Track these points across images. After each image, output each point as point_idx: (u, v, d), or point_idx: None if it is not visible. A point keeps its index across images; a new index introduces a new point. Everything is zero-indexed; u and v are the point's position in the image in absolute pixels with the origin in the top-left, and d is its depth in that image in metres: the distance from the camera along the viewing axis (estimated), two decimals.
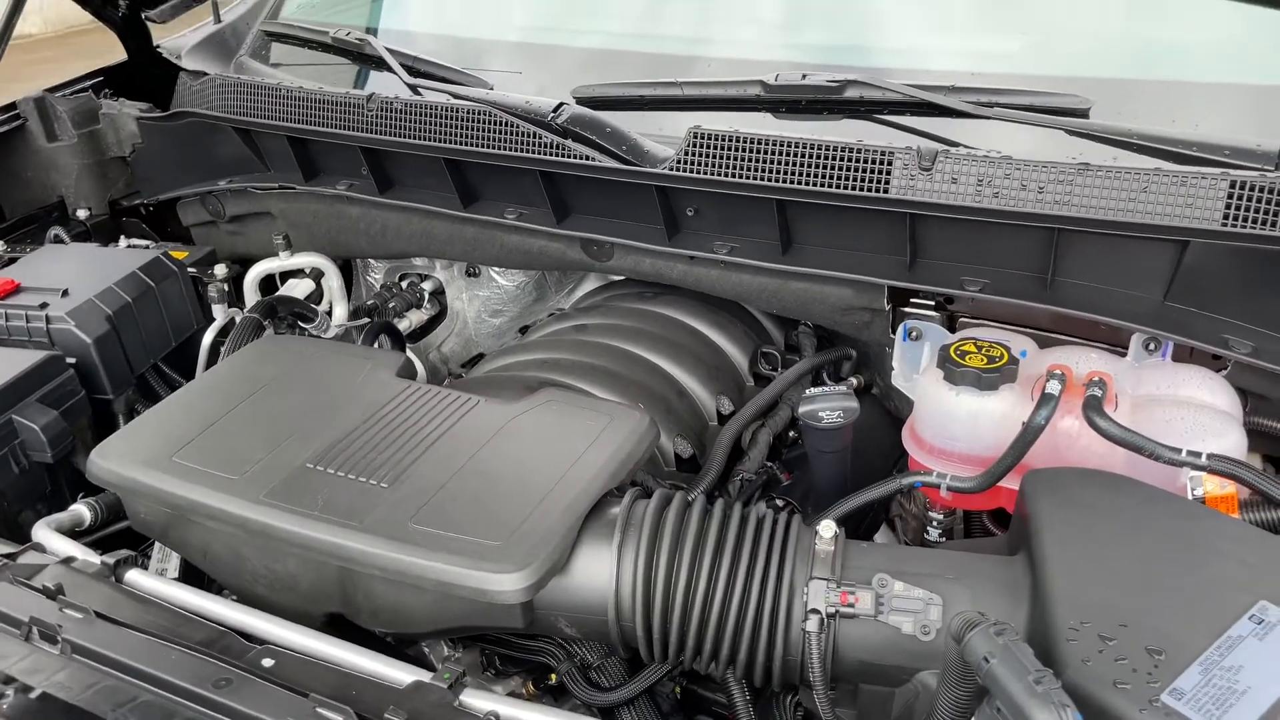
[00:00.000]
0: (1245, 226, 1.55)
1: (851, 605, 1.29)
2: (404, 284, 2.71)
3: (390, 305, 2.61)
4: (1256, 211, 1.55)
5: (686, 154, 1.84)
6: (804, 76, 1.94)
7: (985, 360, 1.59)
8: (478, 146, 2.01)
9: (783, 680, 1.37)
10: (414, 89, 2.15)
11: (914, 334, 1.82)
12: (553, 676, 1.60)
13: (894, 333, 1.91)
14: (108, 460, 1.58)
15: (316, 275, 2.49)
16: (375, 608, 1.46)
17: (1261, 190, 1.55)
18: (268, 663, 1.33)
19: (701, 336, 2.19)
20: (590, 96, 2.08)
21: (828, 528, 1.40)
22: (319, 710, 1.22)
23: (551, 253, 2.14)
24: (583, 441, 1.53)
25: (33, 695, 1.26)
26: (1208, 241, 1.58)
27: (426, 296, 2.71)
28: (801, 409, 1.69)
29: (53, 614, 1.38)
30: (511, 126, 1.98)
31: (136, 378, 2.13)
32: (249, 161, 2.43)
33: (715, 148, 1.82)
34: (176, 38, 2.79)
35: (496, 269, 2.69)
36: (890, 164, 1.71)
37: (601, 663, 1.59)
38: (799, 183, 1.76)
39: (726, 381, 2.10)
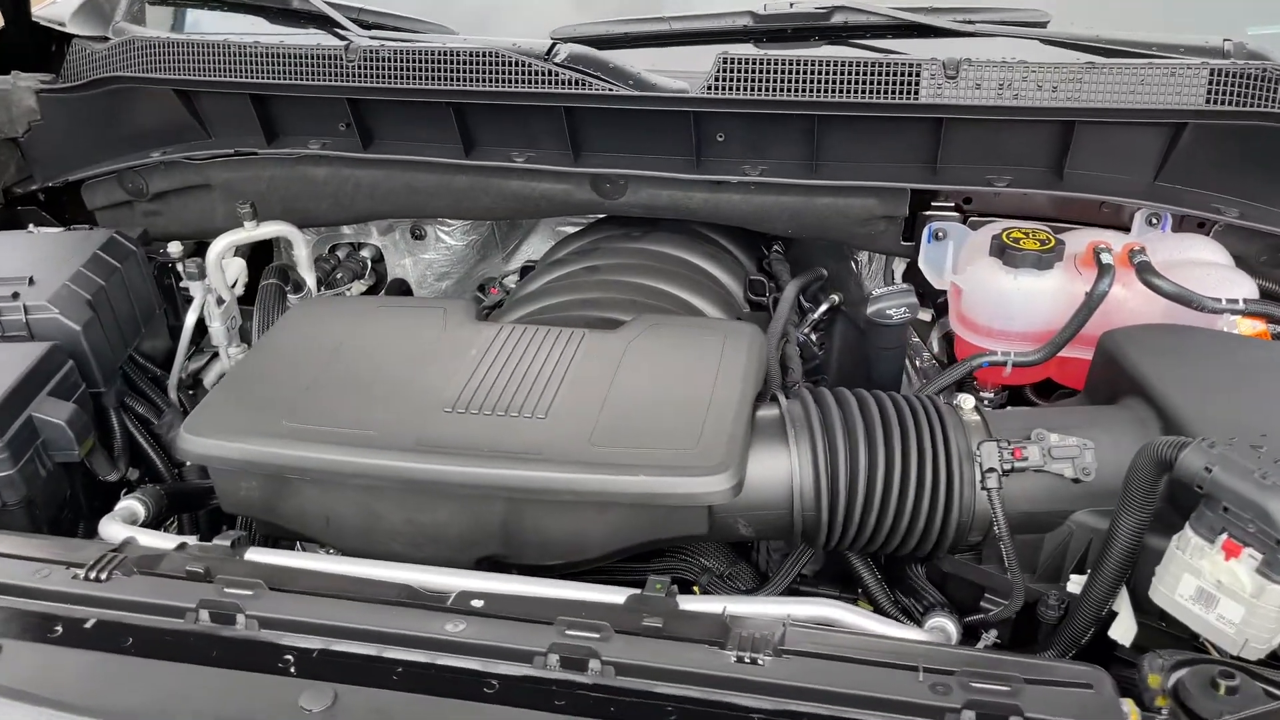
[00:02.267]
0: (1224, 105, 1.80)
1: (1025, 459, 1.41)
2: (341, 255, 2.59)
3: (338, 276, 2.49)
4: (1230, 94, 1.80)
5: (718, 78, 1.89)
6: (791, 4, 2.03)
7: (1037, 244, 1.76)
8: (488, 87, 1.97)
9: (952, 546, 1.48)
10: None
11: (939, 234, 1.96)
12: (695, 588, 1.63)
13: (904, 240, 2.05)
14: (206, 436, 1.45)
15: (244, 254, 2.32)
16: (546, 540, 1.44)
17: (1233, 76, 1.79)
18: (477, 604, 1.29)
19: (700, 269, 2.24)
20: (572, 37, 2.07)
21: (967, 400, 1.52)
22: (569, 632, 1.21)
23: (556, 196, 2.13)
24: (712, 355, 1.56)
25: None
26: (1195, 122, 1.82)
27: (369, 265, 2.60)
28: (871, 308, 1.80)
29: (216, 594, 1.27)
30: (523, 65, 1.94)
31: (119, 368, 1.94)
32: (187, 129, 2.24)
33: (746, 71, 1.87)
34: (46, 5, 2.51)
35: (445, 229, 2.62)
36: (918, 74, 1.84)
37: (732, 569, 1.64)
38: (834, 97, 1.85)
39: (733, 309, 2.18)
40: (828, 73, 1.85)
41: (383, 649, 1.19)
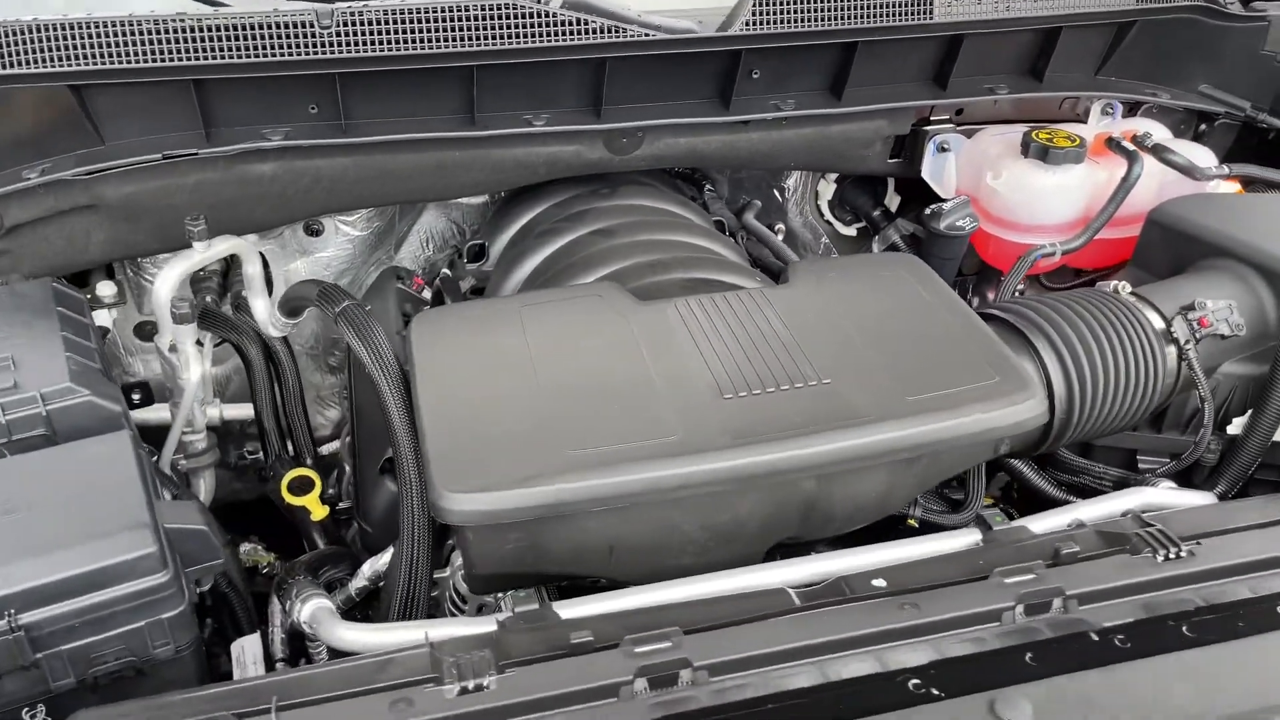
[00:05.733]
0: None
1: (1210, 327, 1.58)
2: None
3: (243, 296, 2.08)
4: None
5: (755, 11, 1.82)
6: None
7: (1068, 142, 1.93)
8: (509, 45, 1.74)
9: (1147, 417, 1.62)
10: None
11: (943, 146, 2.08)
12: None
13: (893, 157, 2.15)
14: (483, 491, 1.19)
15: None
16: (857, 506, 1.38)
17: None
18: (879, 583, 1.22)
19: (688, 218, 2.18)
20: None
21: (1124, 286, 1.66)
22: (1006, 580, 1.19)
23: (563, 159, 1.94)
24: (910, 288, 1.55)
25: None
26: (1142, 19, 2.08)
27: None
28: (943, 222, 1.87)
29: (634, 658, 1.09)
30: (549, 18, 1.74)
31: None
32: (65, 136, 1.73)
33: (775, 3, 1.83)
34: None
35: (346, 220, 2.27)
36: None
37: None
38: (865, 22, 1.87)
39: (740, 253, 2.15)
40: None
41: (879, 655, 1.09)
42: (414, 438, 1.43)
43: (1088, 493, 1.69)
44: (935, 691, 0.94)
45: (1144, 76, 2.18)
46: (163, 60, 1.66)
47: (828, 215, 2.55)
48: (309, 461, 2.09)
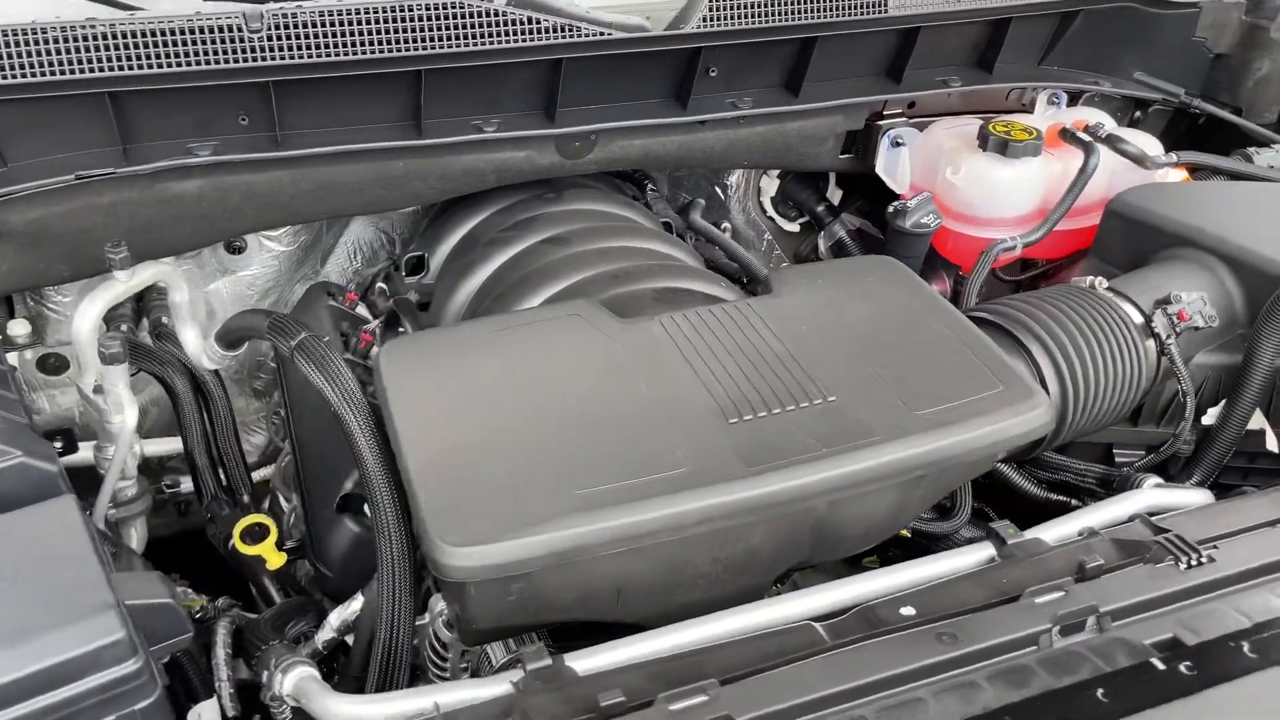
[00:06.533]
0: None
1: (1189, 320, 1.58)
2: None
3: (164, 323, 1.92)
4: None
5: (712, 9, 1.75)
6: None
7: (1024, 134, 1.91)
8: (454, 47, 1.62)
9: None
10: None
11: (898, 141, 2.04)
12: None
13: (844, 152, 2.10)
14: (487, 543, 1.09)
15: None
16: (869, 526, 1.33)
17: None
18: (907, 611, 1.17)
19: (639, 222, 2.10)
20: None
21: (1100, 281, 1.64)
22: (1038, 601, 1.15)
23: (513, 165, 1.83)
24: (899, 294, 1.50)
25: None
26: (1085, 8, 2.08)
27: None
28: (909, 220, 1.84)
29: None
30: (500, 17, 1.63)
31: None
32: None
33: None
34: None
35: (270, 236, 2.12)
36: None
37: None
38: (823, 15, 1.82)
39: (695, 256, 2.08)
40: None
41: (935, 695, 1.03)
42: (392, 483, 1.31)
43: (1069, 490, 1.68)
44: None
45: (1084, 66, 2.19)
46: (73, 72, 1.50)
47: (770, 211, 2.50)
48: (245, 498, 1.94)
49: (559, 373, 1.33)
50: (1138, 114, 2.30)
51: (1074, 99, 2.20)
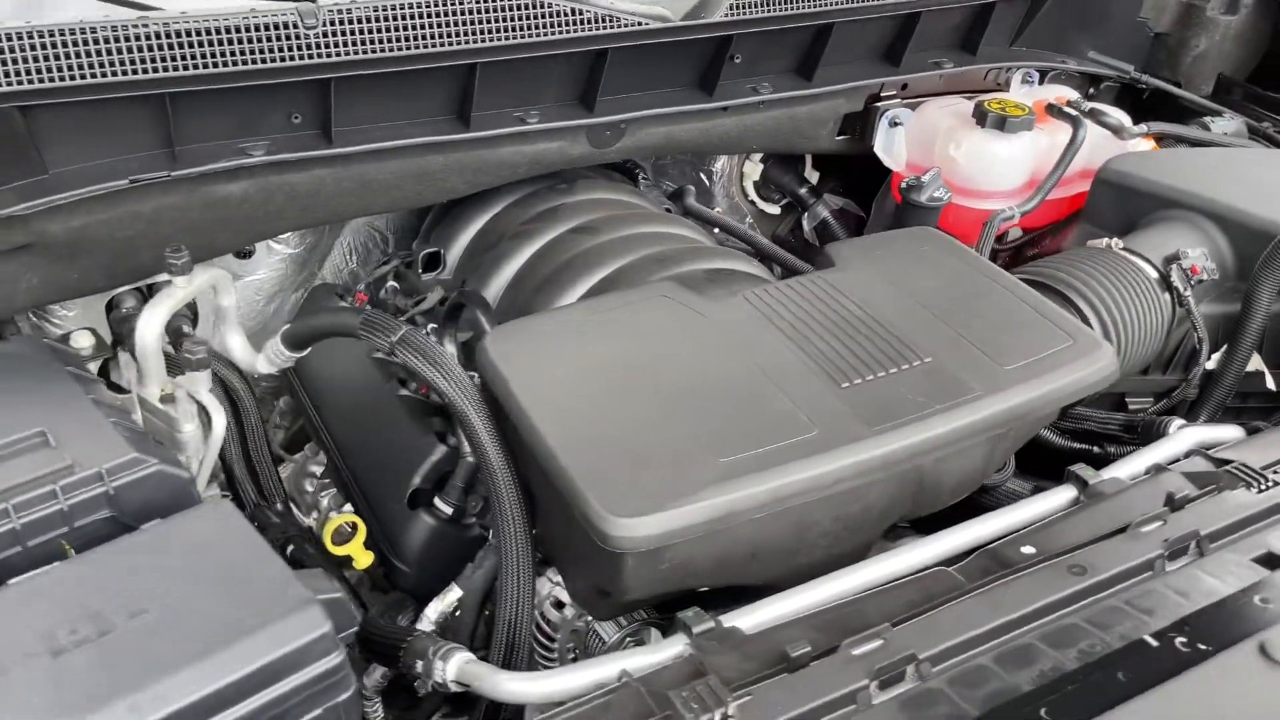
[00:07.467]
0: None
1: (1201, 275, 1.72)
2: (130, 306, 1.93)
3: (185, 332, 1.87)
4: None
5: None
6: None
7: (1018, 110, 2.04)
8: (505, 39, 1.64)
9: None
10: None
11: (895, 121, 2.14)
12: None
13: (841, 135, 2.20)
14: (649, 515, 1.14)
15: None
16: (964, 477, 1.41)
17: None
18: (1028, 549, 1.26)
19: (646, 207, 2.15)
20: None
21: (1117, 241, 1.78)
22: (1144, 530, 1.26)
23: (547, 157, 1.85)
24: (951, 260, 1.59)
25: None
26: None
27: None
28: (924, 195, 1.94)
29: (859, 664, 1.07)
30: (543, 8, 1.65)
31: None
32: (4, 165, 1.49)
33: None
34: None
35: (278, 238, 2.08)
36: None
37: None
38: (843, 2, 1.90)
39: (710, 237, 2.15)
40: None
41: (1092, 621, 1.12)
42: (512, 470, 1.33)
43: (1091, 439, 1.81)
44: (1203, 646, 0.99)
45: (1047, 46, 2.34)
46: (124, 74, 1.45)
47: (752, 195, 2.58)
48: (279, 504, 1.91)
49: (665, 350, 1.37)
50: (1091, 90, 2.47)
51: (1041, 77, 2.35)
